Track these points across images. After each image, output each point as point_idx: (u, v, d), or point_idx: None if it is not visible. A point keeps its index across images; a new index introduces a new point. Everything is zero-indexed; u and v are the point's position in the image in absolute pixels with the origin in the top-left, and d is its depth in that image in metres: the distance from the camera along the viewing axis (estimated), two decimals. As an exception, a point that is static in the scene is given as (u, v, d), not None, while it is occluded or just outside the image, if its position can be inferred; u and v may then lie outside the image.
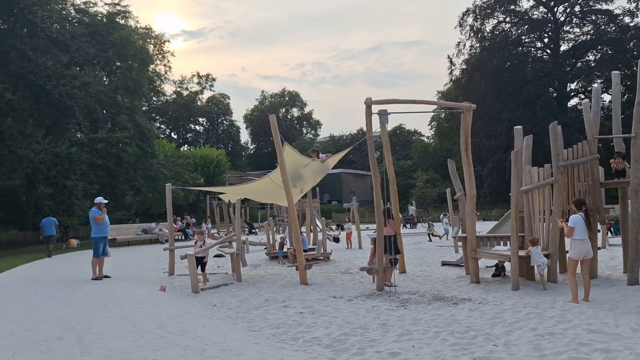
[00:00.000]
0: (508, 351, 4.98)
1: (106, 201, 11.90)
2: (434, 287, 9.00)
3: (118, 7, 29.57)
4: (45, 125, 25.83)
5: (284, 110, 76.14)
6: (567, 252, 7.99)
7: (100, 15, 29.38)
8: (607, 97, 34.89)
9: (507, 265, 9.24)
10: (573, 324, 5.96)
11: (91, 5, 29.06)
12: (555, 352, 4.88)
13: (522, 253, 8.63)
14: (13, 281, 11.49)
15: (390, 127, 9.68)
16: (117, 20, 29.59)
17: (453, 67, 47.76)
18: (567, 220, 7.52)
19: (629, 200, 8.67)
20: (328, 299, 8.20)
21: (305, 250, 13.31)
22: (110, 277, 11.41)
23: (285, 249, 14.49)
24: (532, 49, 47.29)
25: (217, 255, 15.69)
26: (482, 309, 6.96)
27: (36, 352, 5.06)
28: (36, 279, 11.76)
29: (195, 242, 11.16)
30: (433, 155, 54.48)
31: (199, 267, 10.49)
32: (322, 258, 14.17)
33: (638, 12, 40.98)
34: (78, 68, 27.95)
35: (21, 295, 9.04)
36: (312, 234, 16.79)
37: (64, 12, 28.05)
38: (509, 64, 45.09)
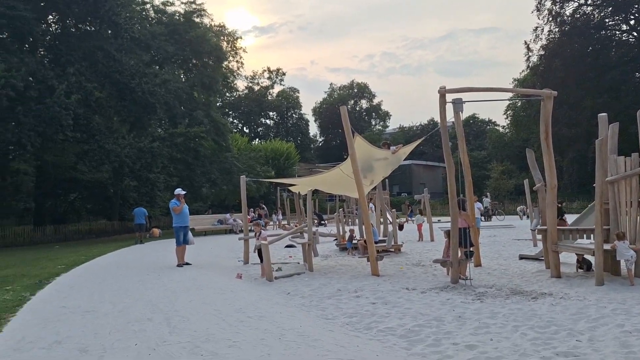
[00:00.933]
0: (593, 347, 4.78)
1: (184, 192, 12.44)
2: (511, 281, 8.74)
3: (194, 6, 30.82)
4: (129, 122, 27.48)
5: (352, 102, 76.05)
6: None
7: (177, 14, 30.74)
8: None
9: (591, 259, 8.81)
10: (665, 322, 5.60)
11: (169, 4, 30.48)
12: (646, 351, 4.63)
13: (607, 247, 8.18)
14: (105, 266, 12.41)
15: (463, 116, 9.46)
16: (194, 19, 30.84)
17: (530, 54, 45.50)
18: None
19: None
20: (400, 291, 8.20)
21: (375, 242, 13.33)
22: (191, 264, 11.99)
23: (354, 241, 14.58)
24: (617, 32, 44.05)
25: (288, 246, 16.09)
26: (564, 304, 6.70)
27: (130, 331, 5.47)
28: (125, 264, 12.61)
29: (255, 234, 11.51)
30: (509, 145, 52.35)
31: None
32: (392, 250, 14.12)
33: None
34: (158, 67, 29.48)
35: (113, 279, 9.75)
36: (382, 226, 16.76)
37: (143, 13, 29.63)
38: (590, 48, 42.30)
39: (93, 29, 25.05)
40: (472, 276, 8.74)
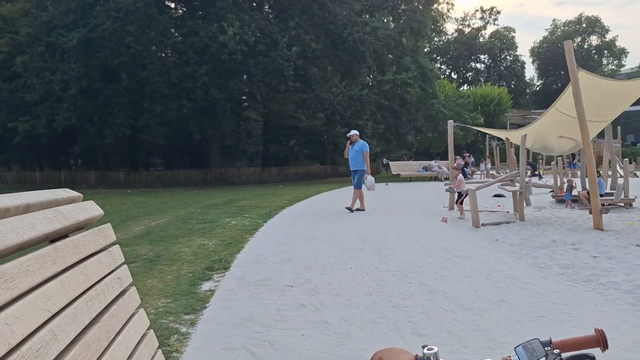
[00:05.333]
0: None
1: (352, 133, 11.19)
2: None
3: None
4: (341, 71, 28.93)
5: (579, 39, 67.01)
6: None
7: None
8: None
9: None
10: None
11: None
12: None
13: None
14: (321, 203, 13.70)
15: None
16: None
17: None
18: None
19: None
20: (629, 247, 7.31)
21: (601, 195, 11.99)
22: (351, 211, 11.01)
23: (575, 192, 13.33)
24: None
25: (497, 195, 15.49)
26: None
27: (345, 257, 6.07)
28: (339, 202, 13.71)
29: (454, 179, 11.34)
30: None
31: (459, 200, 10.92)
32: (622, 204, 12.53)
33: None
34: (368, 15, 30.07)
35: (328, 214, 10.77)
36: (609, 179, 14.94)
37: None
38: None
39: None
40: None
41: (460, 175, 11.29)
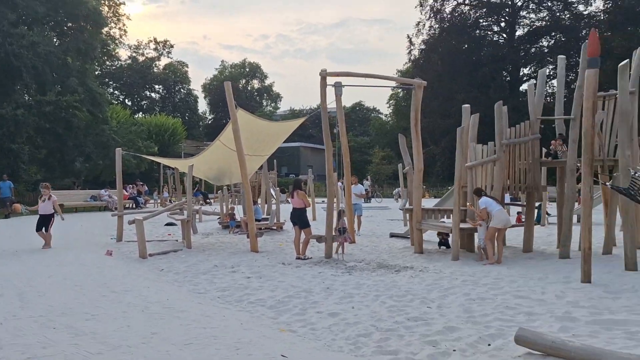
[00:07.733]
0: (440, 312, 5.29)
1: None
2: (379, 257, 9.31)
3: (70, -36, 28.15)
4: (-11, 85, 24.55)
5: (244, 81, 74.87)
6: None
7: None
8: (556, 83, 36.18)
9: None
10: (504, 290, 6.32)
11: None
12: (483, 314, 5.21)
13: (464, 226, 9.03)
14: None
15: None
16: (69, -23, 28.22)
17: (412, 47, 48.08)
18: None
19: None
20: (276, 265, 8.38)
21: (258, 220, 13.45)
22: None
23: (238, 218, 14.56)
24: (489, 33, 48.07)
25: (168, 224, 15.61)
26: (421, 276, 7.29)
27: (-27, 308, 4.99)
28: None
29: (40, 197, 10.85)
30: (390, 132, 55.13)
31: (43, 228, 10.50)
32: (274, 228, 14.32)
33: (592, 0, 42.29)
34: (26, 27, 26.55)
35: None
36: (266, 205, 16.94)
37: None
38: (466, 46, 45.78)
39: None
40: (345, 251, 9.20)
41: (44, 199, 10.62)
